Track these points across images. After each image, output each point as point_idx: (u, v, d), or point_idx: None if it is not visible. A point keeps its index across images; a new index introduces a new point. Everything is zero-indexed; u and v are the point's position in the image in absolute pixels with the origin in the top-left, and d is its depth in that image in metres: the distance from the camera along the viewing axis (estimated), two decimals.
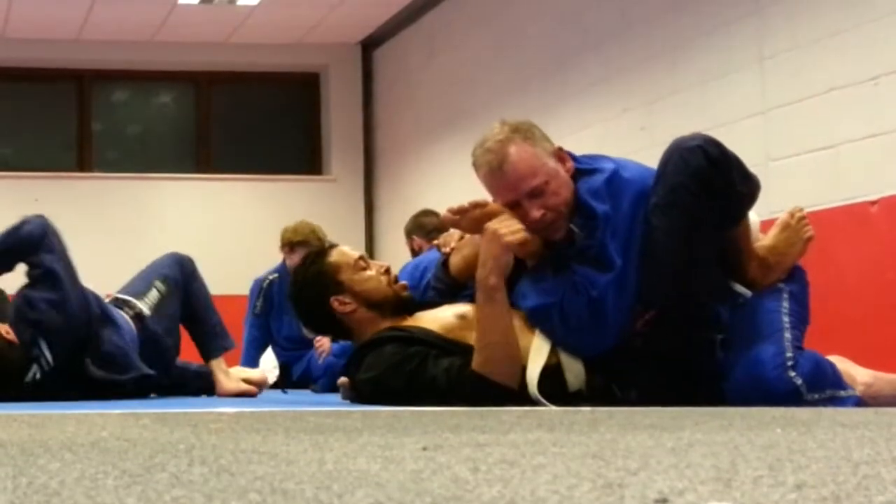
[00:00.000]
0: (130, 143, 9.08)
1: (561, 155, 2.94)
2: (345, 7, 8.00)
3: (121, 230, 8.52)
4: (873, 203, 4.36)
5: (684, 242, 2.80)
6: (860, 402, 2.89)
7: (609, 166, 2.92)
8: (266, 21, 8.21)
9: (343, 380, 3.35)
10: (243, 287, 8.37)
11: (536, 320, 2.88)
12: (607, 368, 2.86)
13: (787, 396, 2.76)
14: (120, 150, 9.03)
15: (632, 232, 2.84)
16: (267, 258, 8.03)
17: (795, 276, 3.05)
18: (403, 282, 3.16)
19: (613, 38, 5.92)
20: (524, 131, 2.92)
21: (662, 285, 2.81)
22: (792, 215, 3.09)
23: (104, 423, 1.93)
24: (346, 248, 3.21)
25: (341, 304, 3.05)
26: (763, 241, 3.04)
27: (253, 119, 9.11)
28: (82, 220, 8.51)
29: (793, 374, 2.81)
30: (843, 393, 2.89)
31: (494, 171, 2.86)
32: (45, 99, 8.83)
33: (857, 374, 3.00)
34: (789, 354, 2.84)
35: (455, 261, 3.07)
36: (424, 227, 6.14)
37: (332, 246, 3.24)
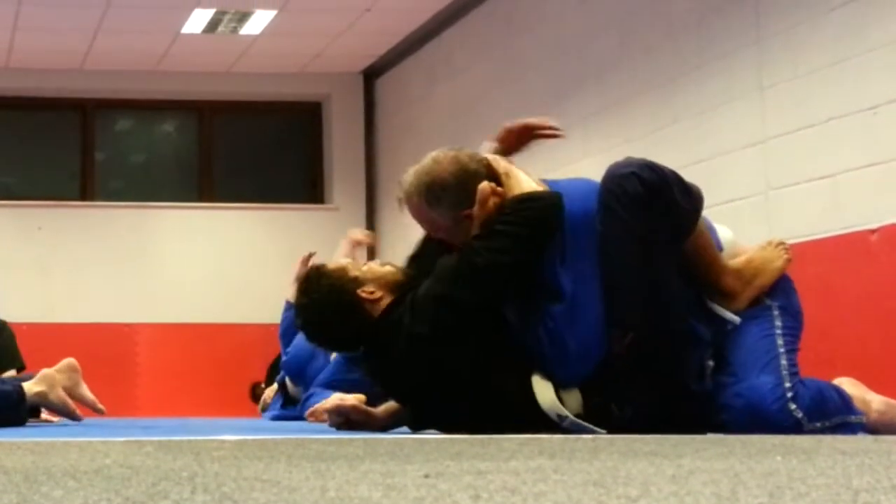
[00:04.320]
0: (133, 172, 9.11)
1: (469, 215, 2.92)
2: (347, 37, 8.05)
3: (123, 259, 8.54)
4: (873, 231, 4.37)
5: (642, 265, 2.81)
6: (867, 428, 2.88)
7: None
8: (268, 51, 8.26)
9: (333, 404, 3.30)
10: (244, 316, 8.39)
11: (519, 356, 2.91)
12: (603, 390, 2.87)
13: (788, 429, 2.76)
14: (123, 178, 9.06)
15: (581, 251, 2.84)
16: (269, 286, 8.05)
17: (779, 288, 3.02)
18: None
19: (613, 68, 5.96)
20: (433, 194, 2.95)
21: (633, 309, 2.83)
22: (770, 242, 3.10)
23: (107, 450, 1.93)
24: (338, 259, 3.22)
25: (369, 294, 3.01)
26: (740, 256, 3.06)
27: (255, 148, 9.14)
28: (85, 249, 8.53)
29: (793, 406, 2.80)
30: (853, 418, 2.88)
31: (401, 203, 3.03)
32: (48, 128, 8.87)
33: (872, 401, 2.98)
34: (788, 384, 2.83)
35: None
36: None
37: (321, 265, 3.20)
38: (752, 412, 2.79)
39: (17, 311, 7.79)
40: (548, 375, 2.85)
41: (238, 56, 8.42)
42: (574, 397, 2.86)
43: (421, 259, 3.13)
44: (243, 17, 7.63)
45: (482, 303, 2.84)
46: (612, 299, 2.83)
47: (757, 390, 2.82)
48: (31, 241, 8.47)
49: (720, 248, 3.03)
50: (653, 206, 2.79)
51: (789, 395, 2.81)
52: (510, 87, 6.95)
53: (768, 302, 2.98)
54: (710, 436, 2.69)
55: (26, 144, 8.83)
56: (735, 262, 3.01)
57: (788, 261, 3.05)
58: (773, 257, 3.04)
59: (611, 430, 2.78)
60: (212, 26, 7.77)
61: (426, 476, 1.35)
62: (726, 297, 2.96)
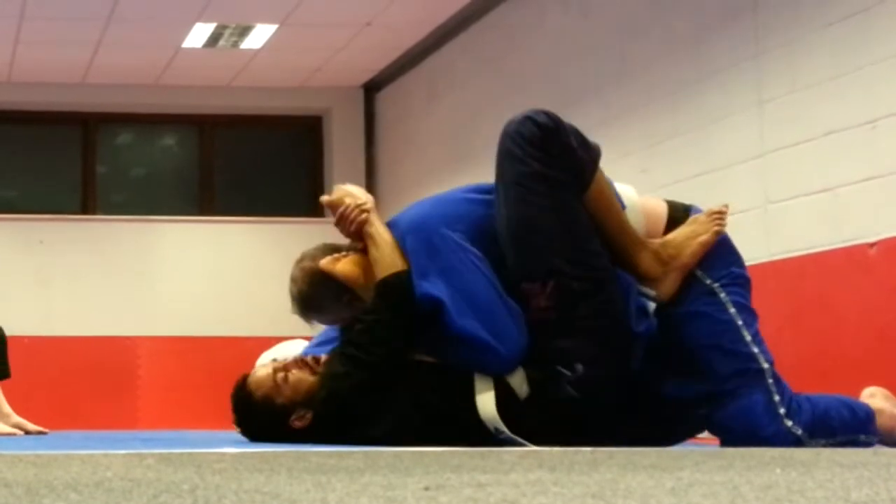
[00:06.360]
0: (134, 186, 9.13)
1: (352, 296, 3.00)
2: (347, 51, 8.07)
3: (124, 272, 8.55)
4: (872, 245, 4.38)
5: (549, 204, 2.77)
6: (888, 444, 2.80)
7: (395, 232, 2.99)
8: (269, 65, 8.28)
9: None
10: (245, 329, 8.39)
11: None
12: (542, 356, 2.78)
13: (789, 447, 2.71)
14: (124, 192, 9.08)
15: (435, 249, 2.83)
16: (269, 300, 8.05)
17: (712, 256, 2.80)
18: (321, 356, 3.10)
19: (613, 82, 5.97)
20: (315, 308, 3.08)
21: (546, 252, 2.75)
22: (709, 212, 2.84)
23: (109, 463, 1.94)
24: (256, 373, 3.11)
25: (301, 420, 3.01)
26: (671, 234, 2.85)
27: (256, 162, 9.16)
28: (86, 262, 8.54)
29: (790, 423, 2.71)
30: (863, 437, 2.76)
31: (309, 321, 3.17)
32: (49, 142, 8.89)
33: None
34: (777, 399, 2.72)
35: None
36: None
37: (244, 379, 3.12)
38: (750, 436, 2.69)
39: (18, 325, 7.78)
40: (487, 372, 2.80)
41: (239, 70, 8.44)
42: (518, 378, 2.79)
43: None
44: (244, 31, 7.65)
45: (389, 386, 2.90)
46: (522, 248, 2.76)
47: (750, 412, 2.71)
48: (32, 254, 8.48)
49: (623, 208, 2.87)
50: (549, 146, 2.81)
51: (782, 411, 2.72)
52: (510, 101, 6.96)
53: (707, 281, 2.79)
54: (710, 448, 2.69)
55: (27, 158, 8.85)
56: (654, 242, 2.81)
57: (718, 233, 2.79)
58: (700, 231, 2.80)
59: (572, 395, 2.70)
60: (213, 41, 7.79)
61: (426, 489, 1.35)
62: (647, 282, 2.78)
